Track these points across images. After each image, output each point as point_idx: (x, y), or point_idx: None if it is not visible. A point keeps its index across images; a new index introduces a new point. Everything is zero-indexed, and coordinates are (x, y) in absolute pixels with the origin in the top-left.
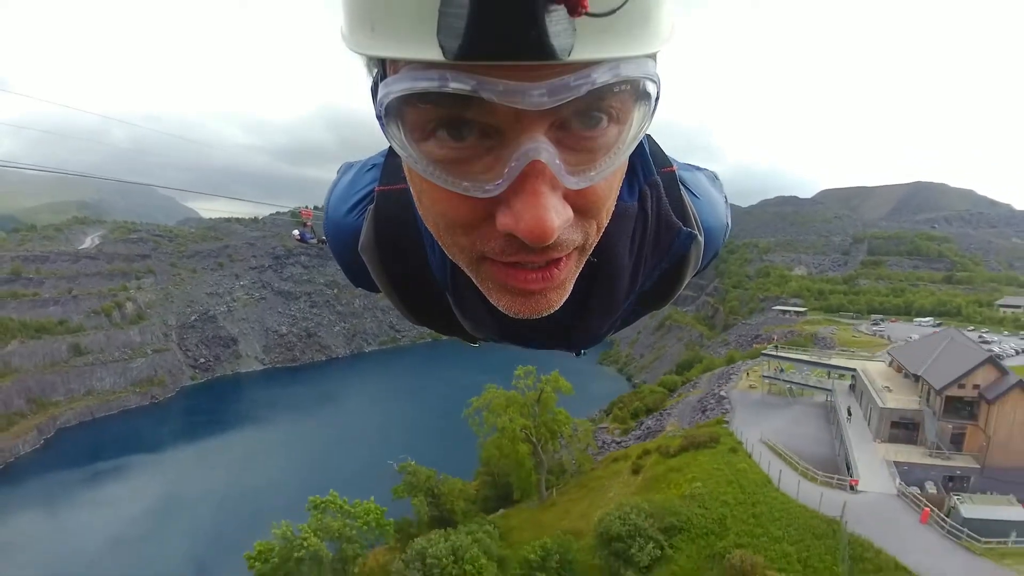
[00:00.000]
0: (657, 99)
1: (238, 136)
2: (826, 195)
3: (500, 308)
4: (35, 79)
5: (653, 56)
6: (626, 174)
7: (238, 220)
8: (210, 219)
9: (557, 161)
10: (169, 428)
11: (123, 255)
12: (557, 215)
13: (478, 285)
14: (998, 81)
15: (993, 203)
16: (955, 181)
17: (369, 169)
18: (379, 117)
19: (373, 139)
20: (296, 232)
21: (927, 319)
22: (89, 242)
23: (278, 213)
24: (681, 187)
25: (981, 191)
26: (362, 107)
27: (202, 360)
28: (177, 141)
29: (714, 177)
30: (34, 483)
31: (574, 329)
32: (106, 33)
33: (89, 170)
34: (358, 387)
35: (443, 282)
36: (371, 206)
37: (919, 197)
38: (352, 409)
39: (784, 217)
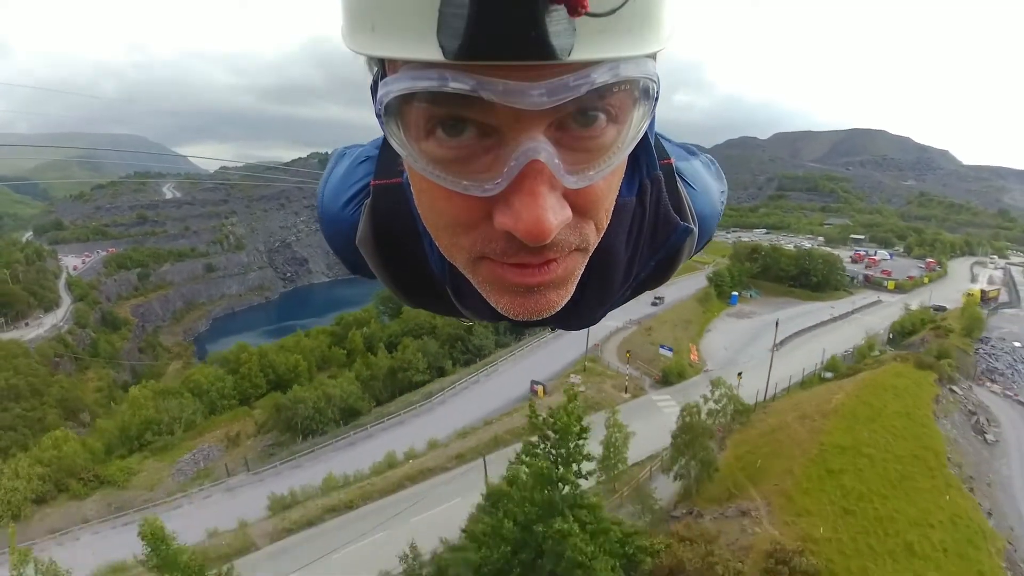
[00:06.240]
0: (656, 99)
1: (222, 77)
2: (777, 137)
3: (500, 310)
4: (21, 28)
5: (653, 56)
6: (628, 168)
7: (275, 167)
8: (247, 165)
9: (556, 161)
10: (279, 315)
11: (211, 200)
12: (555, 215)
13: (476, 287)
14: (960, 37)
15: (923, 148)
16: (895, 128)
17: (362, 162)
18: (379, 116)
19: (363, 75)
20: None
21: (761, 229)
22: (169, 192)
23: (305, 158)
24: (678, 179)
25: (918, 138)
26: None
27: (288, 274)
28: (163, 88)
29: (710, 162)
30: (212, 345)
31: (570, 315)
32: None
33: (82, 124)
34: None
35: (442, 276)
36: (367, 200)
37: (851, 142)
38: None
39: (731, 158)
